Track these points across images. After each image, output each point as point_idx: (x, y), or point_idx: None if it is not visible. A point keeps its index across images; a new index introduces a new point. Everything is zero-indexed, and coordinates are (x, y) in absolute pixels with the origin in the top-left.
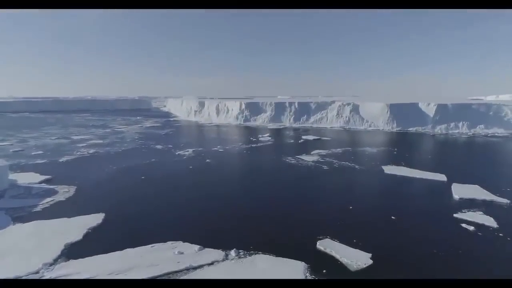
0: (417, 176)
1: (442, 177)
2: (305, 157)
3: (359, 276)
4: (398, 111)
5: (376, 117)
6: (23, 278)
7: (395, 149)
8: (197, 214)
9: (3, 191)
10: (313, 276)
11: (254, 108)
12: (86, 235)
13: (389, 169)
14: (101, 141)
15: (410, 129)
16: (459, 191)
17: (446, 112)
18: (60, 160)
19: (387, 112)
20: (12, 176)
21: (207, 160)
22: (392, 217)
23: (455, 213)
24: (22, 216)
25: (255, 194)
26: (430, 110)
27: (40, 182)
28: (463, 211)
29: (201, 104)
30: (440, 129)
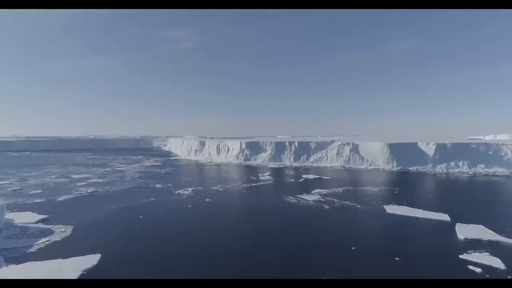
0: (420, 216)
1: (445, 217)
2: (305, 196)
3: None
4: (398, 150)
5: (376, 156)
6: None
7: (396, 189)
8: (195, 255)
9: None
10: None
11: (254, 148)
12: (81, 277)
13: (391, 209)
14: (100, 180)
15: (411, 168)
16: (464, 231)
17: (445, 151)
18: (58, 199)
19: (387, 151)
20: (9, 215)
21: (207, 199)
22: (396, 258)
23: (461, 254)
24: (15, 257)
25: (255, 235)
26: (429, 149)
27: (37, 222)
28: (469, 252)
29: (202, 144)
30: (440, 168)
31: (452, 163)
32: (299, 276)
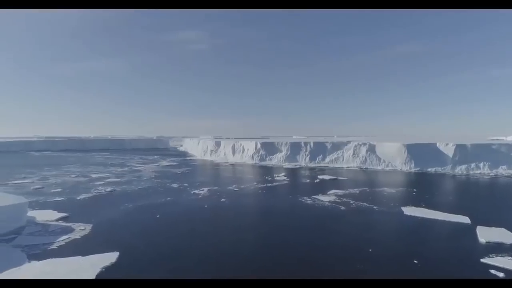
0: (439, 218)
1: (465, 219)
2: (321, 197)
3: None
4: (416, 151)
5: (393, 157)
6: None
7: (414, 190)
8: (210, 254)
9: (21, 228)
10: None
11: (269, 148)
12: (99, 275)
13: (409, 210)
14: (118, 179)
15: (429, 169)
16: (485, 234)
17: (465, 152)
18: (78, 198)
19: (405, 152)
20: (31, 213)
21: (222, 199)
22: (415, 261)
23: (482, 257)
24: (37, 253)
25: (270, 235)
26: (448, 150)
27: (57, 220)
28: (491, 256)
29: (217, 144)
30: (460, 169)
31: (473, 164)
32: (307, 276)
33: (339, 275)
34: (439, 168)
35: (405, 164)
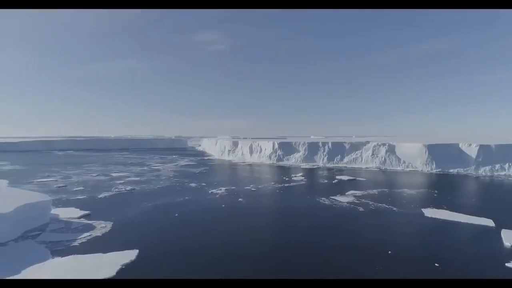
0: (461, 221)
1: (489, 222)
2: (339, 198)
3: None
4: (437, 152)
5: (413, 158)
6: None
7: (435, 191)
8: (227, 253)
9: (45, 225)
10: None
11: (287, 148)
12: (120, 272)
13: (430, 212)
14: (138, 178)
15: (451, 170)
16: (510, 238)
17: (489, 153)
18: (99, 196)
19: (425, 152)
20: (54, 210)
21: (240, 199)
22: (436, 264)
23: (507, 262)
24: (60, 250)
25: (287, 235)
26: (471, 151)
27: (79, 217)
28: None
29: (235, 144)
30: (484, 171)
31: (497, 166)
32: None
33: (357, 276)
34: (462, 169)
35: (426, 165)
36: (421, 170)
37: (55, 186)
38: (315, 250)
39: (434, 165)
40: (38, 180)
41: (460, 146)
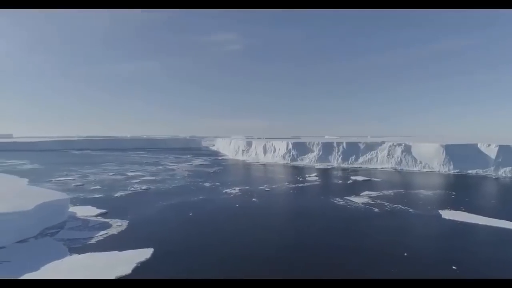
0: (480, 223)
1: (510, 225)
2: (354, 199)
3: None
4: (455, 152)
5: (430, 158)
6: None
7: (453, 193)
8: (241, 253)
9: (63, 223)
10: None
11: (301, 148)
12: (135, 270)
13: (447, 214)
14: (153, 178)
15: (470, 171)
16: None
17: (509, 153)
18: (115, 195)
19: (443, 153)
20: (72, 209)
21: (254, 199)
22: (453, 267)
23: None
24: (78, 247)
25: (301, 236)
26: (491, 151)
27: (96, 216)
28: None
29: (249, 144)
30: (504, 171)
31: None
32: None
33: (365, 276)
34: (481, 170)
35: (443, 165)
36: (438, 171)
37: (73, 185)
38: (329, 251)
39: (452, 166)
40: (57, 179)
41: (479, 146)
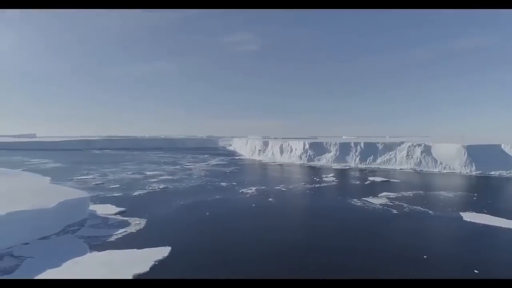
0: (503, 226)
1: None
2: (372, 200)
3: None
4: (477, 153)
5: (451, 159)
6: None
7: (475, 194)
8: (256, 253)
9: (84, 221)
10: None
11: (318, 148)
12: (153, 268)
13: (469, 216)
14: (171, 177)
15: (492, 173)
16: None
17: None
18: (134, 194)
19: (464, 154)
20: (92, 207)
21: (270, 199)
22: (475, 271)
23: None
24: (97, 244)
25: (317, 237)
26: None
27: (115, 214)
28: None
29: (265, 144)
30: None
31: None
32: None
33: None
34: (504, 172)
35: (464, 166)
36: (460, 172)
37: (93, 183)
38: (345, 253)
39: (474, 167)
40: (78, 177)
41: (502, 147)
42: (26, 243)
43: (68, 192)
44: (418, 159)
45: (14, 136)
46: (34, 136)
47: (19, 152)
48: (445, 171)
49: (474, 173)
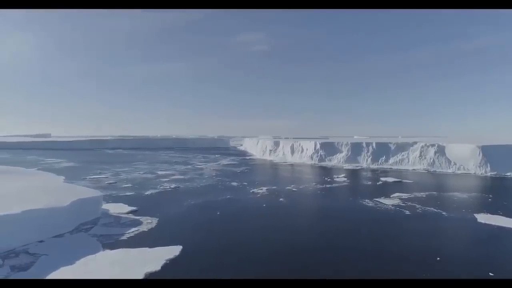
0: None
1: None
2: (384, 200)
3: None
4: (493, 153)
5: (465, 160)
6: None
7: (490, 196)
8: (267, 253)
9: (97, 219)
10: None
11: (329, 148)
12: (164, 266)
13: (483, 218)
14: (182, 177)
15: (508, 174)
16: None
17: None
18: (146, 193)
19: (479, 154)
20: (105, 206)
21: (281, 199)
22: (490, 274)
23: None
24: (110, 243)
25: (328, 237)
26: None
27: (128, 213)
28: None
29: (276, 144)
30: None
31: None
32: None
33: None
34: None
35: (479, 167)
36: (474, 173)
37: (106, 182)
38: (356, 254)
39: (489, 168)
40: (91, 176)
41: None
42: (41, 241)
43: (81, 191)
44: (432, 160)
45: (31, 136)
46: (49, 136)
47: (34, 151)
48: (459, 171)
49: (489, 174)
